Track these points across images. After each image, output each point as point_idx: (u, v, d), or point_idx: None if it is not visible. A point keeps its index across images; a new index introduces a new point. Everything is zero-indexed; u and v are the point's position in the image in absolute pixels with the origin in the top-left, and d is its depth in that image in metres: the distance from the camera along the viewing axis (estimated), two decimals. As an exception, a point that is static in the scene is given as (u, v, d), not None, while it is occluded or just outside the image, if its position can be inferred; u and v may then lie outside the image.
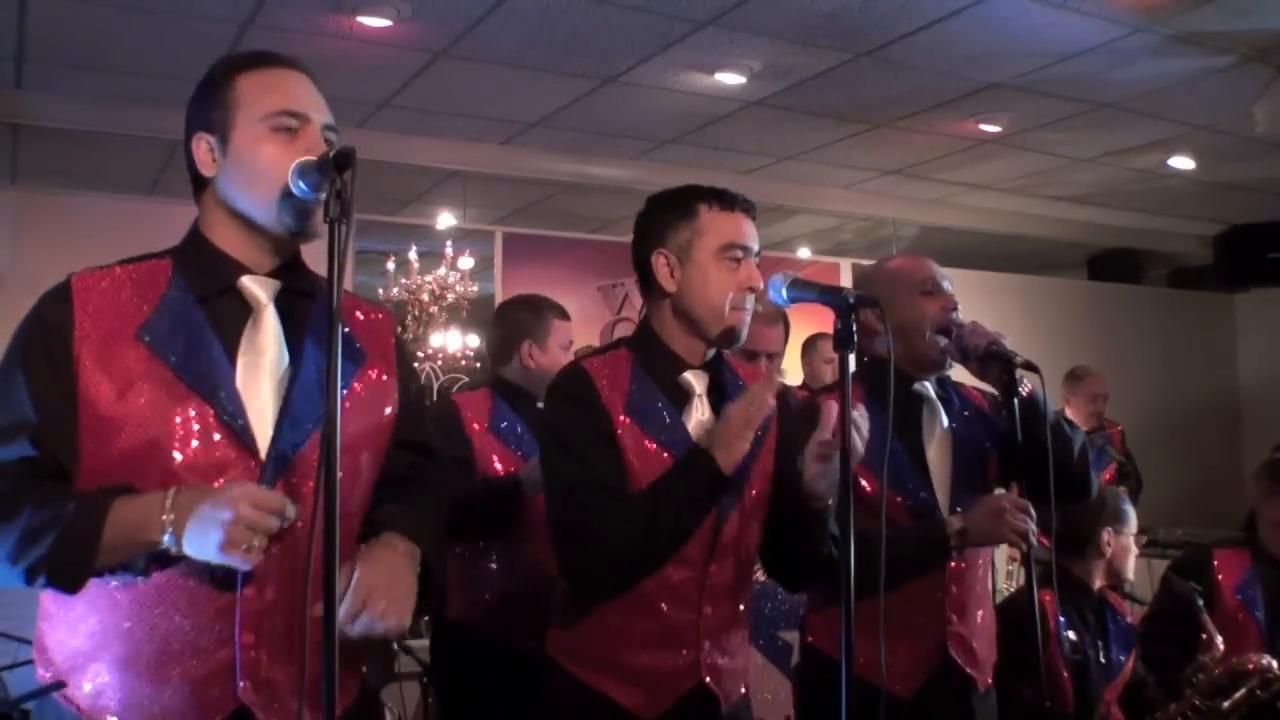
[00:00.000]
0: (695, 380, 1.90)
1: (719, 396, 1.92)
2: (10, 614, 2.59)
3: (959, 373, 2.35)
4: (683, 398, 1.89)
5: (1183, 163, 6.58)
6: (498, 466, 2.83)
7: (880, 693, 1.71)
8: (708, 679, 1.85)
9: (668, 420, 1.86)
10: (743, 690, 1.96)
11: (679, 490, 1.77)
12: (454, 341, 7.56)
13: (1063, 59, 4.85)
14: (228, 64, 1.55)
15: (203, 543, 1.33)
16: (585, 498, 1.80)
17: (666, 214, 1.91)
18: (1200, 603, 2.93)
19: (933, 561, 2.18)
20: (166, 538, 1.35)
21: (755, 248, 1.91)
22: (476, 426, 2.85)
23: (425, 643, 3.64)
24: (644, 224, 1.94)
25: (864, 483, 2.16)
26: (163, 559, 1.39)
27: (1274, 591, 3.07)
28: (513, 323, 3.01)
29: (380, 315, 1.69)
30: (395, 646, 3.46)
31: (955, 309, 2.25)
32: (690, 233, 1.88)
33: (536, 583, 2.68)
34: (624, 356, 1.91)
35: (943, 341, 2.23)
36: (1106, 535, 2.88)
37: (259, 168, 1.49)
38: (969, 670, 2.22)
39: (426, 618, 4.69)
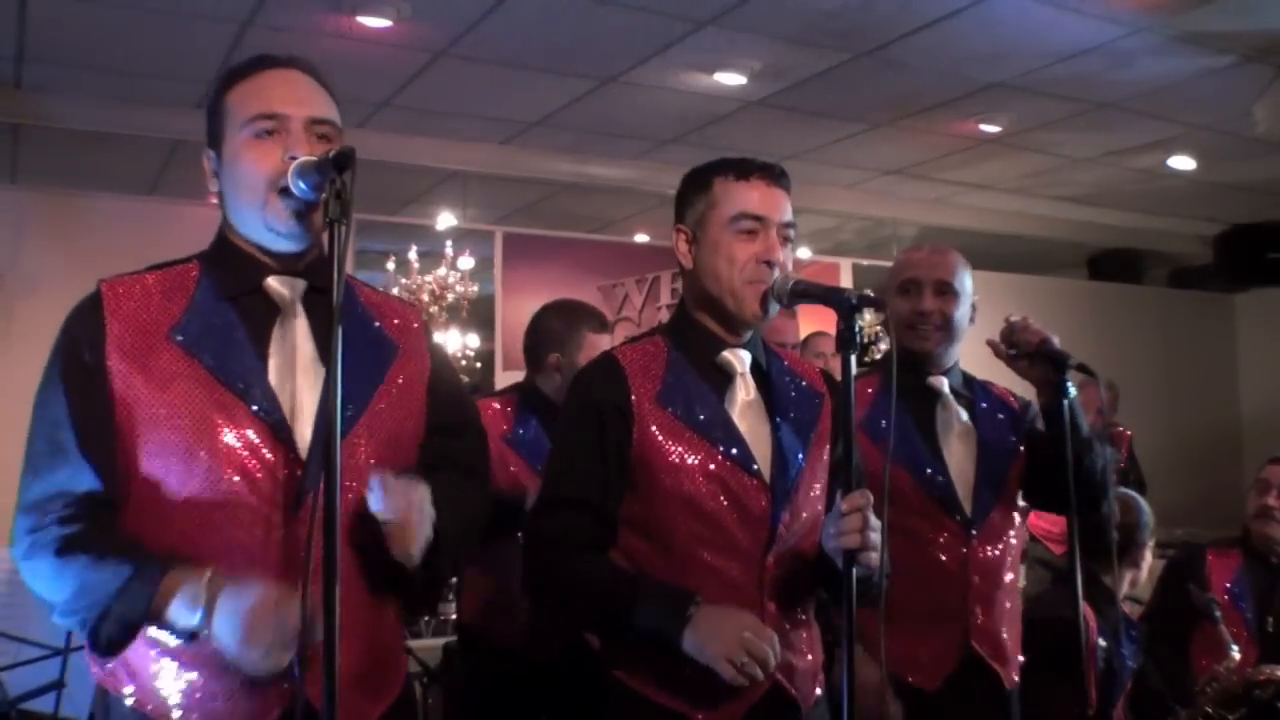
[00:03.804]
0: (734, 359, 1.81)
1: (763, 380, 1.84)
2: (10, 614, 2.57)
3: (985, 371, 2.34)
4: (724, 379, 1.81)
5: (1183, 163, 6.58)
6: (512, 472, 2.74)
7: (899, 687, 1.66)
8: (782, 679, 1.73)
9: (706, 402, 1.77)
10: (818, 691, 1.84)
11: (638, 604, 1.66)
12: (454, 341, 7.58)
13: (1063, 59, 4.85)
14: (223, 78, 1.56)
15: (228, 641, 1.35)
16: (562, 514, 1.76)
17: (687, 188, 1.86)
18: (1218, 614, 2.93)
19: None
20: (198, 619, 1.36)
21: (779, 218, 1.80)
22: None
23: (425, 643, 3.64)
24: (675, 203, 1.89)
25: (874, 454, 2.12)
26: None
27: (1262, 589, 3.09)
28: (544, 331, 2.86)
29: (409, 310, 1.69)
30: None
31: (924, 313, 2.21)
32: (704, 205, 1.81)
33: None
34: (658, 342, 1.85)
35: (920, 340, 2.22)
36: (1147, 549, 2.87)
37: (239, 177, 1.49)
38: (994, 664, 2.18)
39: (428, 618, 4.70)
